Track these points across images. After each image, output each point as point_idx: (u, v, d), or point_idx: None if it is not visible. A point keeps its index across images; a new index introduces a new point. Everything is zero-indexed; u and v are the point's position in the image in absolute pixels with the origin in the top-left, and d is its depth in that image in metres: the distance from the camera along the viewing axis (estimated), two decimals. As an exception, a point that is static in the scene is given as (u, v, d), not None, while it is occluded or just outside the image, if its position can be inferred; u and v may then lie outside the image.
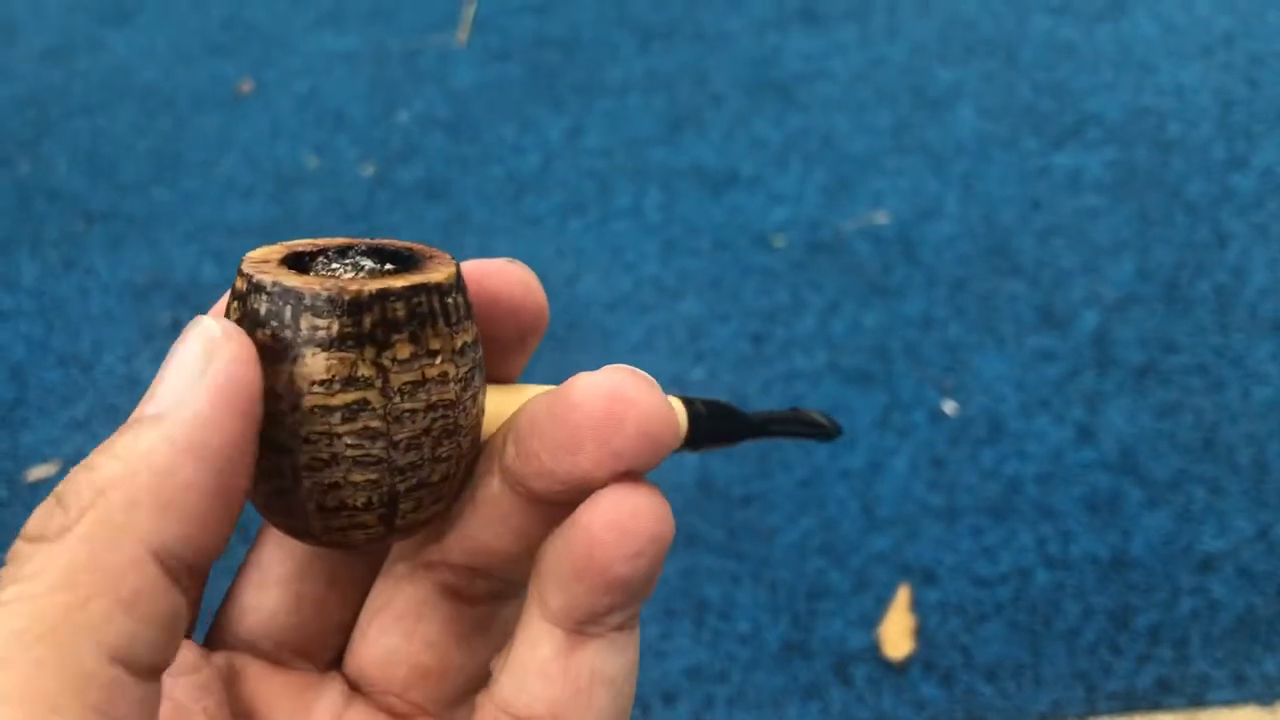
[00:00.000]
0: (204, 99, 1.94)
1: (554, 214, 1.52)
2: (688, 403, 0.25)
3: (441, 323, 0.21)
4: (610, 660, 0.21)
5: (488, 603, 0.24)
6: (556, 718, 0.21)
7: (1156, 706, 0.93)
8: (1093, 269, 1.29)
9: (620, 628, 0.21)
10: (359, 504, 0.21)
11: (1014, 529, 1.06)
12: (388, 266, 0.21)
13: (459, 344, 0.21)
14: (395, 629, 0.23)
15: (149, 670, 0.17)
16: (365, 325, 0.20)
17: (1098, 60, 1.58)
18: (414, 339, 0.21)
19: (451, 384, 0.21)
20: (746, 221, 1.44)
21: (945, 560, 1.05)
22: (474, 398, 0.22)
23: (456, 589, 0.23)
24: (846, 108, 1.59)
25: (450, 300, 0.21)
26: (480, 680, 0.23)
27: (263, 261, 0.21)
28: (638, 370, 0.21)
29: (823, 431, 0.29)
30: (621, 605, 0.21)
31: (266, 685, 0.23)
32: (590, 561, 0.20)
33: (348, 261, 0.22)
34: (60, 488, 0.18)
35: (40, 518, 0.18)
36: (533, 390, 0.23)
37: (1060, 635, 0.98)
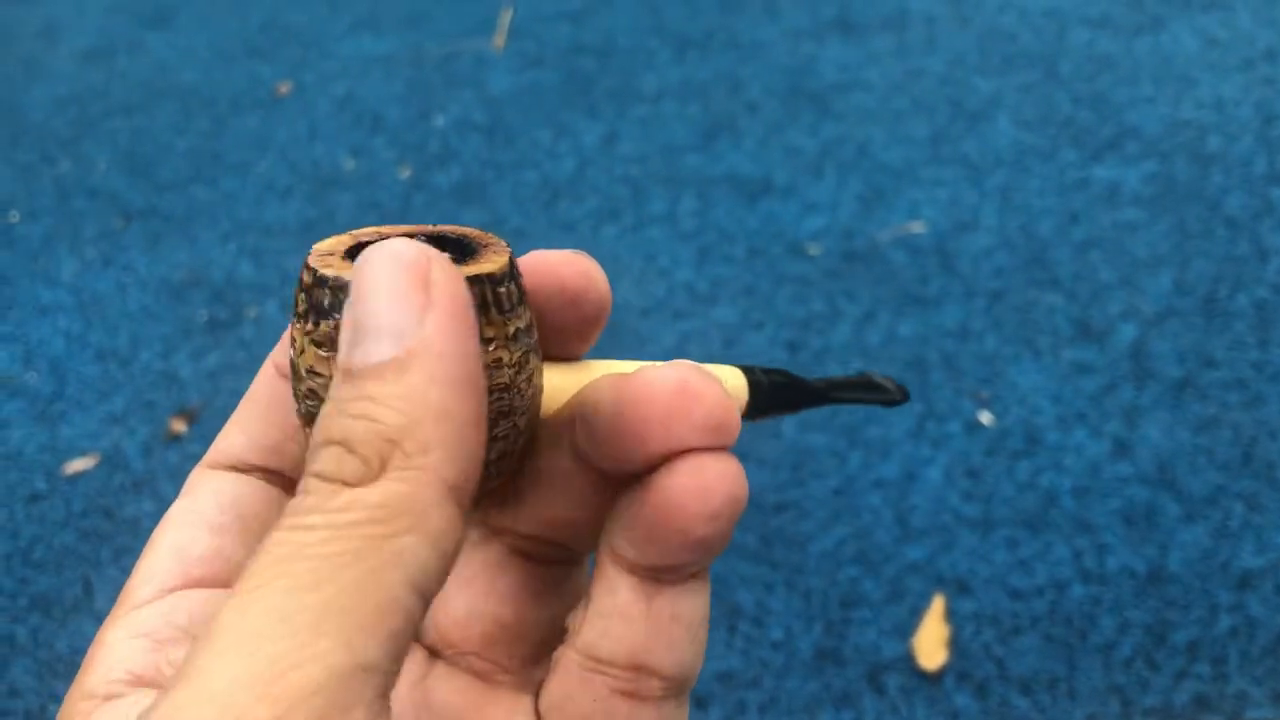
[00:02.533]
0: (242, 100, 1.96)
1: (588, 219, 1.52)
2: (748, 371, 0.25)
3: (494, 311, 0.21)
4: (687, 603, 0.22)
5: (559, 564, 0.25)
6: (638, 658, 0.22)
7: (1193, 723, 0.93)
8: (1131, 282, 1.28)
9: (695, 575, 0.22)
10: None
11: (1050, 541, 1.05)
12: (447, 255, 0.22)
13: (512, 330, 0.21)
14: (472, 588, 0.24)
15: (432, 599, 0.19)
16: None
17: (1137, 73, 1.57)
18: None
19: (506, 369, 0.21)
20: (781, 229, 1.44)
21: (980, 571, 1.04)
22: (529, 380, 0.22)
23: (528, 552, 0.24)
24: (883, 118, 1.59)
25: (503, 289, 0.21)
26: (556, 638, 0.24)
27: (328, 254, 0.22)
28: (701, 366, 0.21)
29: (888, 397, 0.28)
30: (697, 561, 0.21)
31: None
32: (669, 524, 0.21)
33: None
34: (343, 434, 0.18)
35: (331, 462, 0.18)
36: (596, 367, 0.24)
37: (1096, 649, 0.98)
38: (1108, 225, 1.35)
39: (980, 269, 1.33)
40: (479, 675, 0.24)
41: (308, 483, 0.18)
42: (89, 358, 1.47)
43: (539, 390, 0.23)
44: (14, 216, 1.78)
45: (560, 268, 0.23)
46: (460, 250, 0.22)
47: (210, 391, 1.37)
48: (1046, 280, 1.30)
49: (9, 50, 2.27)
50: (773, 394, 0.26)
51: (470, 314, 0.19)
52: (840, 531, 1.09)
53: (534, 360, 0.22)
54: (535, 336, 0.22)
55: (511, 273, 0.22)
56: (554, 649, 0.23)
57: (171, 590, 0.22)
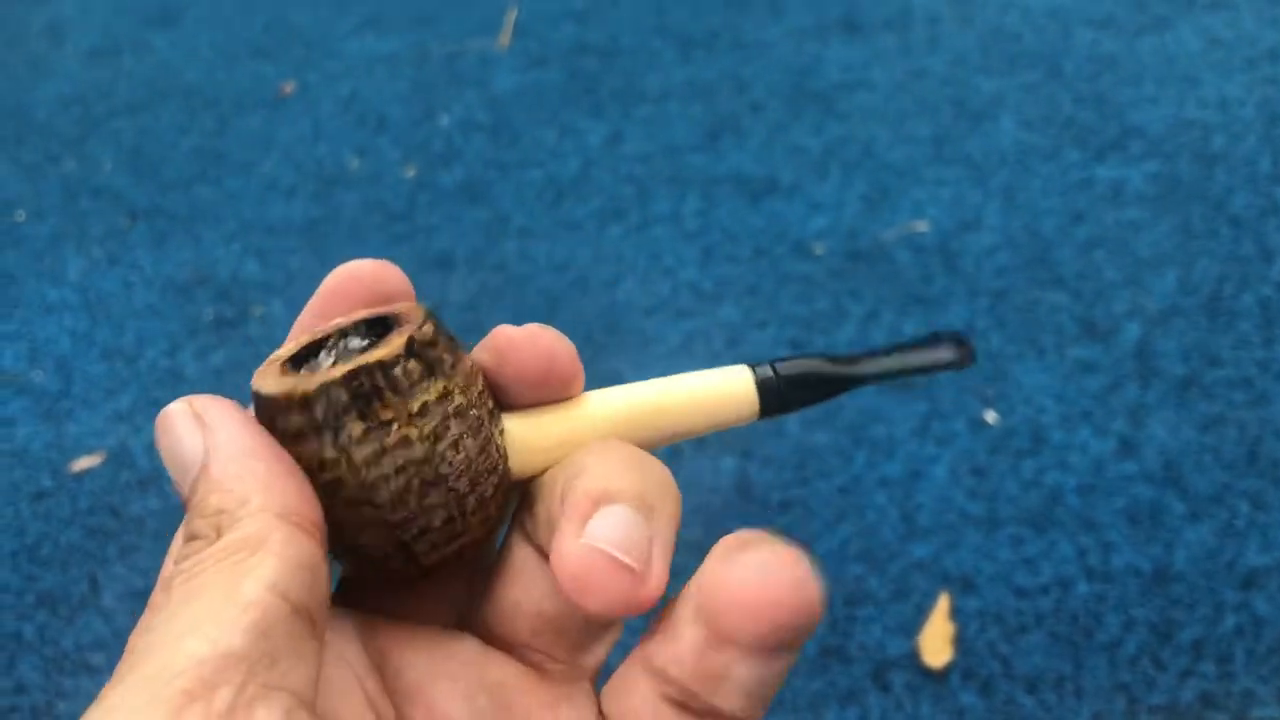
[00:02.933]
0: (247, 100, 1.97)
1: (593, 219, 1.52)
2: (760, 372, 0.26)
3: (390, 394, 0.23)
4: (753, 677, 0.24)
5: None
6: (702, 701, 0.23)
7: (1198, 721, 0.93)
8: (1135, 281, 1.28)
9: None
10: (378, 556, 0.24)
11: (1055, 540, 1.06)
12: (368, 342, 0.24)
13: (417, 406, 0.23)
14: (514, 584, 0.25)
15: (298, 606, 0.21)
16: (318, 416, 0.23)
17: (1141, 73, 1.57)
18: (363, 416, 0.23)
19: (417, 444, 0.23)
20: (785, 229, 1.44)
21: (985, 570, 1.04)
22: (455, 445, 0.24)
23: None
24: (887, 117, 1.59)
25: (398, 370, 0.23)
26: (600, 626, 0.25)
27: (272, 362, 0.25)
28: (609, 551, 0.22)
29: (949, 366, 0.26)
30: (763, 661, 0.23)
31: (400, 637, 0.25)
32: (721, 629, 0.23)
33: (336, 347, 0.25)
34: (190, 532, 0.22)
35: (187, 548, 0.22)
36: (586, 409, 0.25)
37: (1101, 647, 0.98)
38: (1111, 224, 1.36)
39: (984, 268, 1.33)
40: (532, 664, 0.25)
41: (175, 568, 0.22)
42: (95, 356, 1.48)
43: (489, 447, 0.24)
44: (20, 216, 1.78)
45: (521, 348, 0.25)
46: (385, 329, 0.25)
47: (216, 390, 1.37)
48: (1050, 279, 1.30)
49: (15, 50, 2.28)
50: (788, 392, 0.26)
51: (238, 411, 0.23)
52: (845, 530, 1.09)
53: (459, 425, 0.24)
54: (469, 397, 0.24)
55: (412, 350, 0.23)
56: (602, 634, 0.25)
57: None
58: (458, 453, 0.24)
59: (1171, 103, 1.51)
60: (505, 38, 1.96)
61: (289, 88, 1.97)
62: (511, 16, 2.01)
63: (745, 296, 1.35)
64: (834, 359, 0.26)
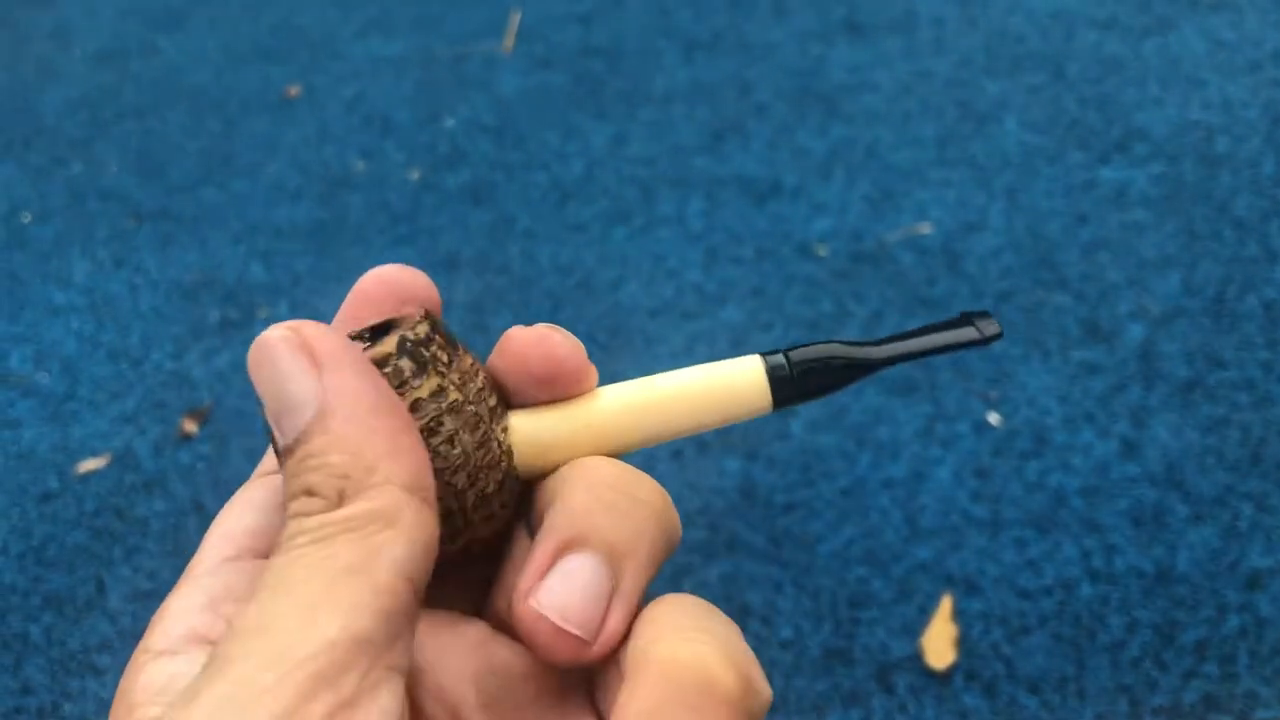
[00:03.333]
0: (252, 102, 1.97)
1: (597, 220, 1.53)
2: (773, 362, 0.26)
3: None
4: None
5: None
6: None
7: (1202, 722, 0.93)
8: (1139, 283, 1.28)
9: None
10: None
11: (1058, 541, 1.06)
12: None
13: (408, 403, 0.24)
14: (519, 572, 0.25)
15: (419, 588, 0.21)
16: None
17: (1145, 75, 1.57)
18: None
19: None
20: (789, 230, 1.45)
21: (989, 571, 1.04)
22: (450, 440, 0.24)
23: None
24: (891, 119, 1.60)
25: (389, 368, 0.24)
26: None
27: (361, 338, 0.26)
28: (554, 621, 0.23)
29: (974, 343, 0.26)
30: None
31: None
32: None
33: None
34: (304, 485, 0.22)
35: (302, 504, 0.22)
36: (600, 403, 0.26)
37: (1104, 649, 0.98)
38: (1115, 226, 1.36)
39: (988, 270, 1.33)
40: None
41: (287, 525, 0.21)
42: (101, 358, 1.48)
43: (489, 443, 0.25)
44: (26, 217, 1.79)
45: (527, 351, 0.26)
46: (385, 333, 0.25)
47: (221, 392, 1.38)
48: (1054, 281, 1.30)
49: (22, 52, 2.29)
50: (802, 380, 0.26)
51: (354, 352, 0.23)
52: (849, 531, 1.09)
53: (457, 420, 0.24)
54: (465, 393, 0.25)
55: (404, 348, 0.24)
56: None
57: (226, 560, 0.24)
58: (453, 448, 0.24)
59: (1175, 105, 1.51)
60: (509, 40, 1.96)
61: (294, 90, 1.98)
62: (515, 19, 2.01)
63: (749, 298, 1.36)
64: (850, 343, 0.26)
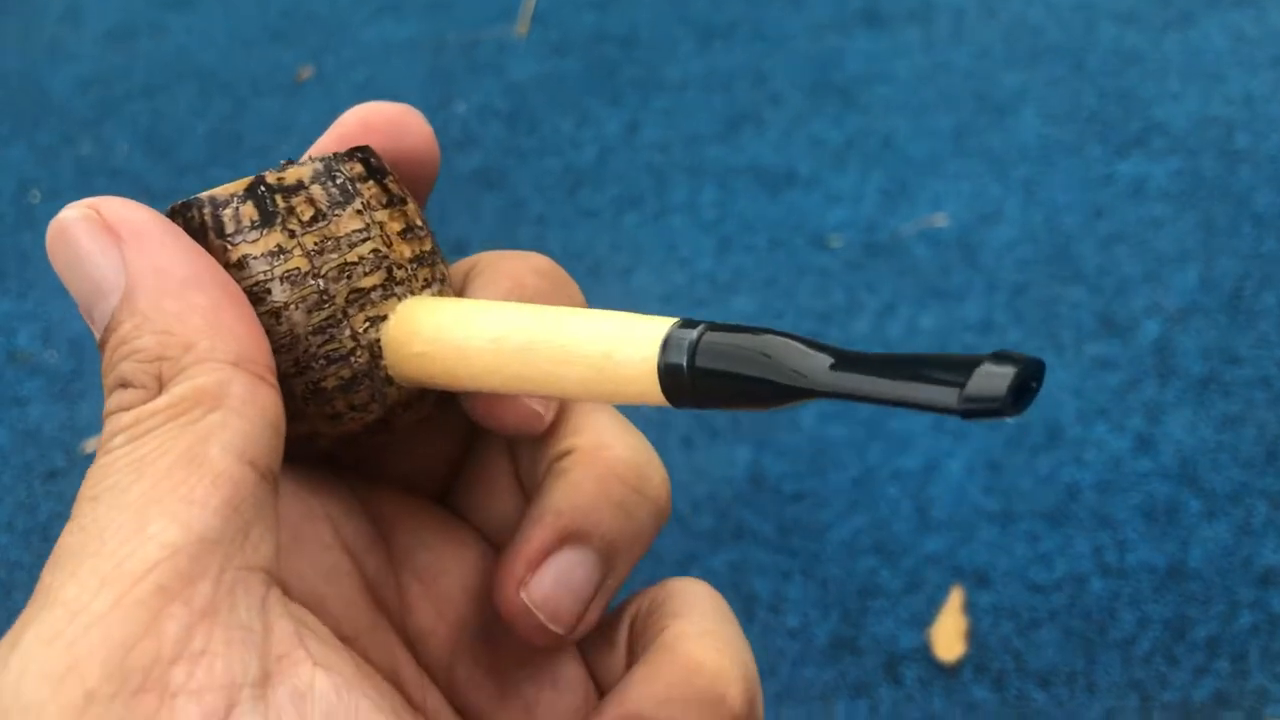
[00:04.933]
0: (263, 84, 1.96)
1: (610, 207, 1.52)
2: (669, 360, 0.19)
3: (212, 235, 0.21)
4: None
5: None
6: None
7: (1213, 719, 0.92)
8: (1155, 278, 1.27)
9: None
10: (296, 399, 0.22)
11: (1070, 535, 1.05)
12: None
13: (235, 257, 0.21)
14: (498, 498, 0.24)
15: (266, 471, 0.19)
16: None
17: (1165, 69, 1.56)
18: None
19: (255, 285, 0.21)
20: (803, 221, 1.44)
21: (999, 564, 1.03)
22: (274, 314, 0.21)
23: None
24: (907, 110, 1.58)
25: (226, 211, 0.21)
26: None
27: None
28: (539, 618, 0.22)
29: (951, 411, 0.16)
30: None
31: (407, 513, 0.24)
32: None
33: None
34: (118, 377, 0.19)
35: (116, 400, 0.19)
36: (474, 328, 0.21)
37: (1115, 644, 0.97)
38: (1133, 221, 1.35)
39: (1003, 262, 1.32)
40: None
41: (105, 424, 0.19)
42: (109, 336, 1.48)
43: (334, 331, 0.21)
44: (35, 196, 1.78)
45: (354, 124, 0.23)
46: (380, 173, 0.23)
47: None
48: (1070, 275, 1.29)
49: (32, 31, 2.28)
50: (702, 385, 0.19)
51: (164, 224, 0.20)
52: (858, 521, 1.09)
53: (290, 292, 0.21)
54: (316, 265, 0.21)
55: (255, 193, 0.21)
56: None
57: None
58: (278, 323, 0.21)
59: (1196, 99, 1.50)
60: (523, 26, 1.95)
61: (306, 73, 1.97)
62: (530, 4, 2.00)
63: (761, 288, 1.35)
64: (804, 343, 0.18)
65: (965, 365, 0.16)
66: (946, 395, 0.16)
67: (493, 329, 0.20)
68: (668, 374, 0.19)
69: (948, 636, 0.99)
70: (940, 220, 1.39)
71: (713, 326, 0.19)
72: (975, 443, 1.13)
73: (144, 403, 0.19)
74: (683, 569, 1.06)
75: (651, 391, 0.19)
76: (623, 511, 0.22)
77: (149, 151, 1.84)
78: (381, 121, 0.23)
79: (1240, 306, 1.23)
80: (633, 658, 0.22)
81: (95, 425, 1.34)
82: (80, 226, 0.20)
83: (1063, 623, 0.99)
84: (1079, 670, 0.96)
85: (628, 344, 0.19)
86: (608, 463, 0.22)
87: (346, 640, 0.21)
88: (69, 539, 0.18)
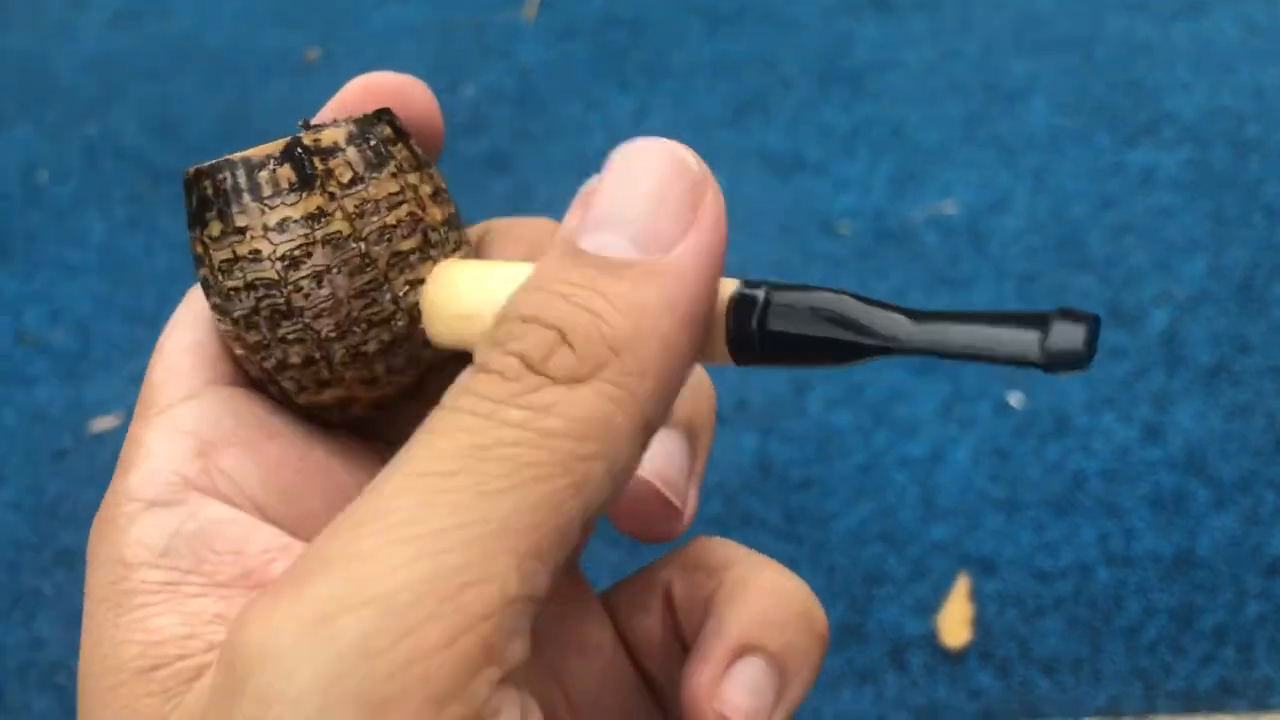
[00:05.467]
0: (271, 67, 1.96)
1: (617, 192, 1.52)
2: (744, 303, 0.19)
3: (247, 197, 0.20)
4: None
5: None
6: None
7: (1218, 708, 0.92)
8: (1164, 267, 1.27)
9: None
10: (256, 376, 0.22)
11: (1076, 524, 1.05)
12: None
13: (274, 220, 0.20)
14: None
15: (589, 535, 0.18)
16: (193, 205, 0.21)
17: (1175, 59, 1.55)
18: (221, 216, 0.21)
19: (267, 263, 0.20)
20: (812, 207, 1.44)
21: (1005, 552, 1.04)
22: (316, 278, 0.20)
23: None
24: (917, 98, 1.58)
25: (263, 174, 0.20)
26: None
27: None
28: (658, 486, 0.21)
29: (1033, 364, 0.17)
30: None
31: None
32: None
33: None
34: (559, 320, 0.17)
35: (542, 347, 0.17)
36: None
37: (1121, 632, 0.97)
38: (1142, 210, 1.34)
39: (1012, 251, 1.32)
40: None
41: (507, 362, 0.17)
42: (115, 318, 1.48)
43: (377, 294, 0.21)
44: (43, 177, 1.78)
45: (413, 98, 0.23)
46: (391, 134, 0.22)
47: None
48: (1078, 263, 1.29)
49: (39, 12, 2.27)
50: (771, 345, 0.19)
51: (723, 253, 0.18)
52: (865, 509, 1.09)
53: (332, 255, 0.20)
54: (357, 228, 0.21)
55: (291, 155, 0.21)
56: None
57: (203, 385, 0.21)
58: (320, 287, 0.20)
59: (1206, 89, 1.49)
60: (531, 10, 1.95)
61: (313, 55, 1.96)
62: (539, -12, 1.99)
63: (770, 275, 1.34)
64: (869, 303, 0.18)
65: (1038, 320, 0.17)
66: (1029, 348, 0.17)
67: None
68: (738, 335, 0.19)
69: (953, 623, 0.99)
70: (949, 208, 1.39)
71: (775, 286, 0.19)
72: (982, 430, 1.13)
73: (565, 380, 0.16)
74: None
75: (718, 352, 0.19)
76: (693, 392, 0.22)
77: (156, 133, 1.84)
78: (385, 92, 0.23)
79: (1250, 296, 1.22)
80: (672, 617, 0.23)
81: (101, 406, 1.34)
82: (684, 173, 0.18)
83: (1068, 611, 0.99)
84: (1084, 658, 0.96)
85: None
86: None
87: None
88: (402, 498, 0.16)
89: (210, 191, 0.21)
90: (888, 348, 0.18)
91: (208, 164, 0.21)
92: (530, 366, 0.16)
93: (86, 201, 1.71)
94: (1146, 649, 0.96)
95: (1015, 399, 1.16)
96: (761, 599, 0.21)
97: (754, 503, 1.11)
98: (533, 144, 1.64)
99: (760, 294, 0.19)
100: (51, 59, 2.10)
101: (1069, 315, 0.17)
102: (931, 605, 1.01)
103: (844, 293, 0.19)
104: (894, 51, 1.68)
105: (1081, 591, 1.00)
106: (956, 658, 0.97)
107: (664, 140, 0.18)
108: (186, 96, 1.92)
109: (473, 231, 0.24)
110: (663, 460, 0.21)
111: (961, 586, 1.01)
